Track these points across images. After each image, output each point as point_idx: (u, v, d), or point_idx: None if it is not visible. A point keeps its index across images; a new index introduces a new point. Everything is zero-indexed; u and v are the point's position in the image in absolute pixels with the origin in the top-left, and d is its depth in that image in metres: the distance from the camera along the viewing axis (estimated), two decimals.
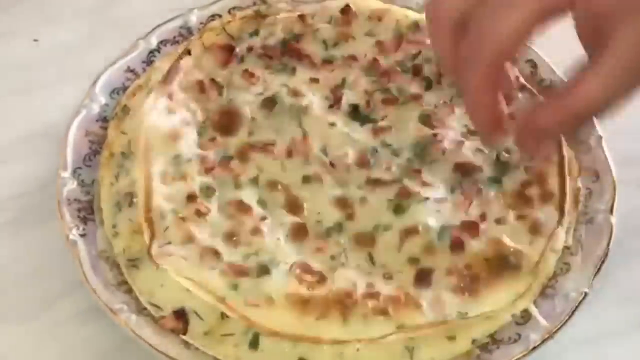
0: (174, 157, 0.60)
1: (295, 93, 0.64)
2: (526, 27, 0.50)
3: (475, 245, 0.57)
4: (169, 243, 0.56)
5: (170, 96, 0.63)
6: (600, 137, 0.63)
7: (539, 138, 0.53)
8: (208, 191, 0.59)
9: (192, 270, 0.55)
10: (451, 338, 0.55)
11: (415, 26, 0.67)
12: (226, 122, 0.63)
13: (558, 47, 0.71)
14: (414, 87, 0.65)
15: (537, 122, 0.52)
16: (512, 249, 0.57)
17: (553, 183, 0.60)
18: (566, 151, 0.62)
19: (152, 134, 0.60)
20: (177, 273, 0.55)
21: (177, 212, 0.57)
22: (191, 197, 0.58)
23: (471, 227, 0.58)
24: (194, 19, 0.69)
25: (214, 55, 0.66)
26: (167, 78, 0.63)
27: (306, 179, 0.60)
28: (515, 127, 0.53)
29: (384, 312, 0.54)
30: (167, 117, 0.62)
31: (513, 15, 0.49)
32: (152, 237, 0.56)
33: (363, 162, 0.61)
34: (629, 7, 0.48)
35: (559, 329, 0.55)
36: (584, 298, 0.56)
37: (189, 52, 0.65)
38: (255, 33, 0.67)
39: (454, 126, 0.63)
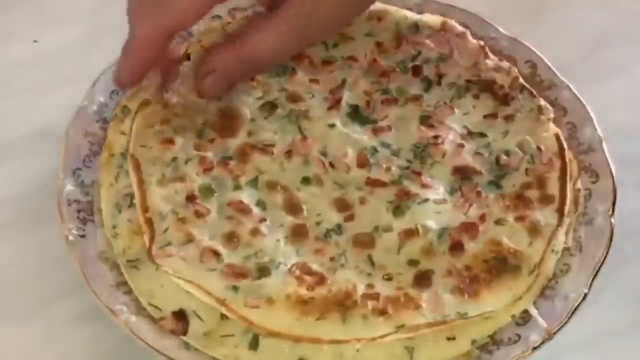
0: (171, 159, 0.60)
1: (295, 98, 0.64)
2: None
3: (474, 247, 0.57)
4: (169, 244, 0.56)
5: (165, 105, 0.62)
6: (600, 138, 0.63)
7: (213, 80, 0.60)
8: (207, 192, 0.59)
9: (192, 271, 0.55)
10: (451, 338, 0.55)
11: (415, 27, 0.67)
12: (225, 122, 0.63)
13: (558, 49, 0.71)
14: (414, 88, 0.65)
15: (212, 62, 0.59)
16: (511, 250, 0.57)
17: (553, 186, 0.60)
18: (568, 157, 0.62)
19: (142, 153, 0.60)
20: (177, 275, 0.55)
21: (176, 213, 0.57)
22: (190, 198, 0.58)
23: (470, 229, 0.58)
24: None
25: None
26: (163, 86, 0.63)
27: (306, 180, 0.60)
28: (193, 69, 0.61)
29: (383, 313, 0.54)
30: (159, 129, 0.62)
31: None
32: (152, 238, 0.56)
33: (363, 163, 0.61)
34: None
35: (558, 329, 0.55)
36: (583, 299, 0.56)
37: (188, 57, 0.65)
38: None
39: (454, 127, 0.63)
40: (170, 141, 0.61)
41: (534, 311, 0.56)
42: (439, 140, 0.62)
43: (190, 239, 0.56)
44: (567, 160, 0.61)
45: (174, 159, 0.60)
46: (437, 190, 0.60)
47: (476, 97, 0.64)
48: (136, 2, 0.57)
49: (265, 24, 0.58)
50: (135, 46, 0.57)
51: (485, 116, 0.64)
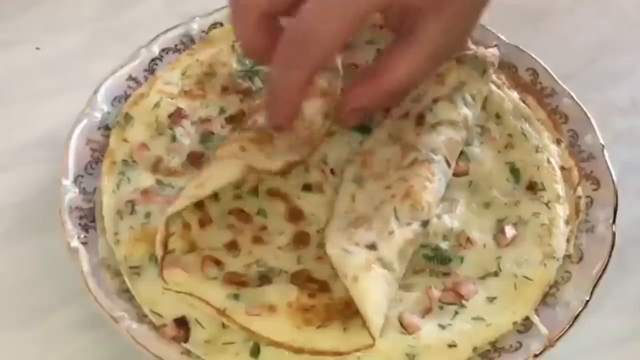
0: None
1: None
2: (349, 31, 0.53)
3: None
4: (173, 250, 0.56)
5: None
6: (602, 146, 0.64)
7: (355, 113, 0.60)
8: (209, 200, 0.59)
9: (193, 281, 0.55)
10: (452, 345, 0.54)
11: None
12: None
13: (559, 56, 0.71)
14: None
15: (356, 101, 0.59)
16: None
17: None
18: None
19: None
20: (178, 288, 0.55)
21: (183, 219, 0.57)
22: (197, 205, 0.58)
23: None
24: (195, 27, 0.69)
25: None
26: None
27: (306, 188, 0.60)
28: (336, 105, 0.60)
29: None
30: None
31: (337, 20, 0.52)
32: (166, 248, 0.56)
33: None
34: (434, 4, 0.55)
35: (560, 337, 0.55)
36: (584, 306, 0.56)
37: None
38: None
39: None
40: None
41: (535, 318, 0.56)
42: None
43: (192, 247, 0.56)
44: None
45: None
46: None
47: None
48: (282, 51, 0.54)
49: (401, 51, 0.57)
50: (287, 95, 0.56)
51: None
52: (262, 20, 0.55)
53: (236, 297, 0.54)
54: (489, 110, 0.65)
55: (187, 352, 0.54)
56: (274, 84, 0.56)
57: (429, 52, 0.57)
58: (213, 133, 0.64)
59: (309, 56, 0.53)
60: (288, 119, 0.58)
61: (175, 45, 0.69)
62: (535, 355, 0.54)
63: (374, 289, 0.53)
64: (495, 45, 0.67)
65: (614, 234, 0.59)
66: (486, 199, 0.61)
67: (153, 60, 0.68)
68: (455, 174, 0.61)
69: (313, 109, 0.59)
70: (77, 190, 0.61)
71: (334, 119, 0.60)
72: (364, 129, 0.63)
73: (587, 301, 0.56)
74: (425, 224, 0.57)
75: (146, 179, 0.61)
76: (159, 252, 0.55)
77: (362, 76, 0.60)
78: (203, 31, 0.69)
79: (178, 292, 0.55)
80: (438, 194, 0.58)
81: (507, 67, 0.68)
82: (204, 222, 0.58)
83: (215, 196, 0.59)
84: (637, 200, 0.64)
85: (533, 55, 0.68)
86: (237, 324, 0.54)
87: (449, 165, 0.60)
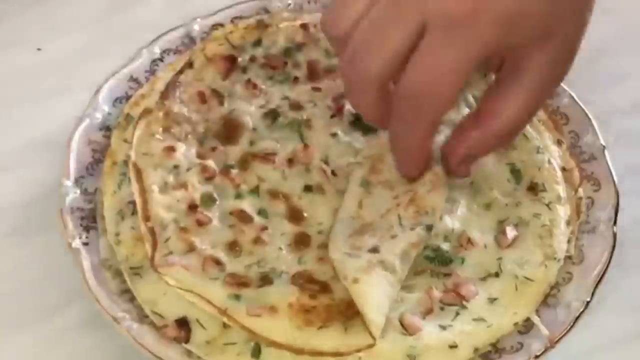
0: (173, 167, 0.60)
1: (297, 107, 0.64)
2: (461, 81, 0.51)
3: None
4: (171, 253, 0.56)
5: (166, 114, 0.62)
6: (603, 147, 0.64)
7: (468, 161, 0.57)
8: (209, 200, 0.59)
9: (194, 281, 0.55)
10: (453, 346, 0.54)
11: None
12: (227, 131, 0.63)
13: None
14: None
15: (468, 150, 0.56)
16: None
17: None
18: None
19: (144, 162, 0.60)
20: (179, 285, 0.55)
21: (178, 222, 0.57)
22: (192, 207, 0.58)
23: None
24: (196, 28, 0.69)
25: (215, 66, 0.66)
26: (165, 94, 0.63)
27: (307, 188, 0.60)
28: (446, 158, 0.57)
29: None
30: (161, 137, 0.62)
31: (450, 76, 0.50)
32: (155, 247, 0.56)
33: None
34: (539, 38, 0.51)
35: (561, 338, 0.55)
36: (586, 307, 0.56)
37: (191, 65, 0.65)
38: (258, 42, 0.67)
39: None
40: (171, 149, 0.61)
41: (536, 319, 0.56)
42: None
43: (192, 248, 0.56)
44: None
45: (176, 166, 0.60)
46: None
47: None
48: (398, 110, 0.52)
49: (508, 90, 0.53)
50: (417, 151, 0.55)
51: None
52: (382, 89, 0.52)
53: (237, 297, 0.54)
54: None
55: (188, 353, 0.54)
56: (396, 141, 0.55)
57: (537, 86, 0.53)
58: None
59: (425, 112, 0.51)
60: (419, 171, 0.57)
61: (177, 47, 0.69)
62: (536, 356, 0.54)
63: (374, 289, 0.53)
64: None
65: (615, 235, 0.59)
66: (487, 199, 0.61)
67: (154, 61, 0.68)
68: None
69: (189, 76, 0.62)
70: (78, 191, 0.61)
71: (445, 170, 0.58)
72: (366, 129, 0.63)
73: (588, 302, 0.56)
74: (429, 228, 0.57)
75: None
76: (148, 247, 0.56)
77: (467, 122, 0.56)
78: (204, 32, 0.69)
79: (179, 289, 0.55)
80: (442, 197, 0.58)
81: None
82: (202, 222, 0.58)
83: (211, 198, 0.59)
84: (638, 201, 0.64)
85: None
86: (238, 324, 0.54)
87: None
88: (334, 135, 0.63)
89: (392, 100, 0.52)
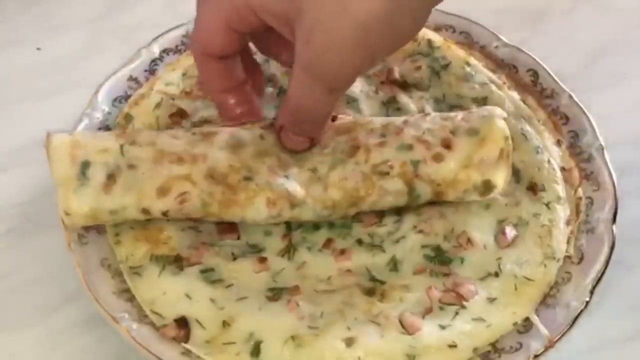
0: None
1: None
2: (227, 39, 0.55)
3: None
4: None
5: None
6: (602, 146, 0.64)
7: (282, 134, 0.57)
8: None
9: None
10: (452, 346, 0.55)
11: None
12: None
13: (559, 58, 0.71)
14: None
15: (281, 121, 0.57)
16: None
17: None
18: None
19: None
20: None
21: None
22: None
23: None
24: None
25: None
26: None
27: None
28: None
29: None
30: None
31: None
32: None
33: None
34: (295, 8, 0.50)
35: (560, 338, 0.55)
36: (585, 307, 0.56)
37: None
38: None
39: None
40: None
41: (535, 319, 0.56)
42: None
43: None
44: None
45: None
46: None
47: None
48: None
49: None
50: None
51: None
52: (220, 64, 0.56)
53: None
54: None
55: (188, 352, 0.54)
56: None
57: (301, 71, 0.52)
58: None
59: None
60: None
61: (176, 46, 0.69)
62: (536, 356, 0.54)
63: None
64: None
65: (614, 235, 0.59)
66: (486, 199, 0.61)
67: (153, 60, 0.68)
68: None
69: None
70: None
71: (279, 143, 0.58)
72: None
73: (588, 302, 0.56)
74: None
75: None
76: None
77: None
78: None
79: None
80: None
81: (507, 68, 0.68)
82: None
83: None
84: (638, 201, 0.64)
85: (533, 56, 0.68)
86: None
87: None
88: None
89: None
